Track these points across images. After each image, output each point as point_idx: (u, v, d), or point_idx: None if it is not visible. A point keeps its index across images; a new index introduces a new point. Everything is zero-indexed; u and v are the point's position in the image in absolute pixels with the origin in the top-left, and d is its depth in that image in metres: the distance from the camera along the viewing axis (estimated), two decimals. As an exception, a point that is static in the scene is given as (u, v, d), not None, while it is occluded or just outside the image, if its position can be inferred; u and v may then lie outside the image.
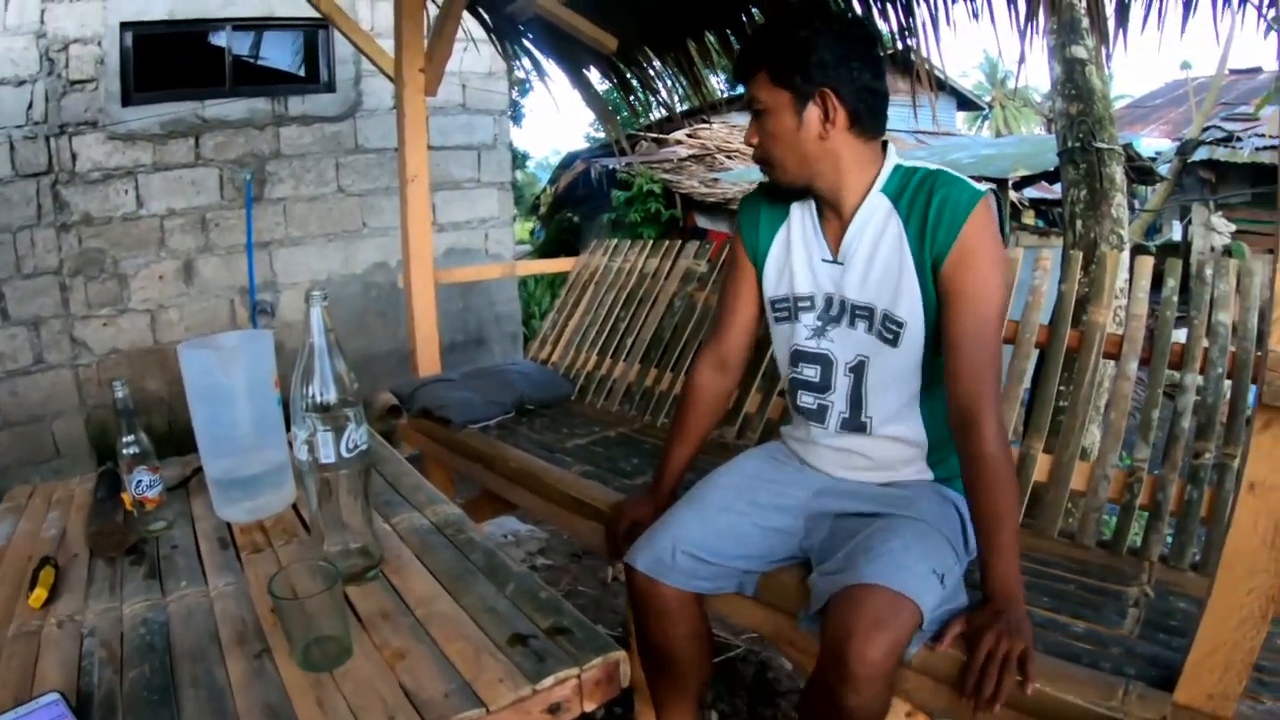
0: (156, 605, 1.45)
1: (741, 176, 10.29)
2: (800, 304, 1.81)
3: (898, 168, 1.70)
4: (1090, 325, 2.12)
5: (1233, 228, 11.15)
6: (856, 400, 1.77)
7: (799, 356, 1.83)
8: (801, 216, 1.81)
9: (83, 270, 5.19)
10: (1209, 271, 2.04)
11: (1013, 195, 8.86)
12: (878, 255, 1.68)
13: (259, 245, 5.73)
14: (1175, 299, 2.08)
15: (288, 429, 1.56)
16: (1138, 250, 8.34)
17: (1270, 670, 1.41)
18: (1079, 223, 4.39)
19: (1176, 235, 12.60)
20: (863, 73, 1.63)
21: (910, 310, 1.65)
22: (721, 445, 2.63)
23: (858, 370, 1.75)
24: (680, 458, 2.00)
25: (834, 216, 1.75)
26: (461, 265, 6.08)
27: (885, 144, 1.74)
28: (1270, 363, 1.06)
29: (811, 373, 1.82)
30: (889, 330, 1.68)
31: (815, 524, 1.77)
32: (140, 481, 1.72)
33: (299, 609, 1.22)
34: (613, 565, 1.88)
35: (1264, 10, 2.55)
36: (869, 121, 1.67)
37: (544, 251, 13.27)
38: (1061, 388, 2.19)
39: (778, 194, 1.83)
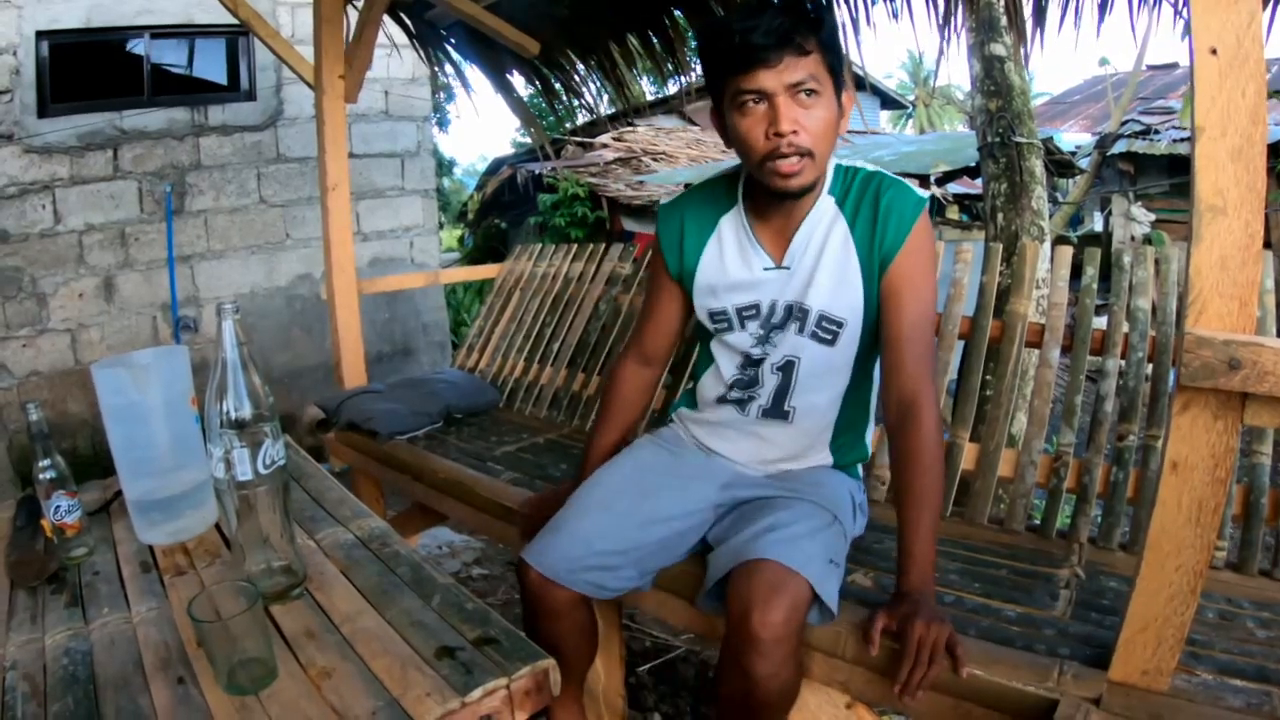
0: (79, 634, 1.40)
1: (667, 179, 10.33)
2: (745, 313, 1.76)
3: (838, 168, 1.69)
4: (1012, 315, 2.15)
5: (1152, 217, 11.46)
6: (782, 393, 1.77)
7: (747, 362, 1.80)
8: (733, 226, 1.76)
9: None
10: (1127, 259, 2.08)
11: (936, 190, 8.99)
12: (824, 257, 1.66)
13: (180, 259, 5.60)
14: (1095, 287, 2.12)
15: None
16: (1060, 241, 8.50)
17: (1203, 643, 1.44)
18: (1000, 216, 4.48)
19: (1098, 226, 12.89)
20: None
21: (850, 310, 1.66)
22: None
23: (786, 369, 1.75)
24: (605, 446, 1.99)
25: (779, 220, 1.70)
26: (386, 274, 5.99)
27: None
28: (1187, 345, 1.07)
29: (748, 373, 1.80)
30: (826, 331, 1.69)
31: (722, 514, 1.79)
32: (58, 507, 1.66)
33: (221, 631, 1.19)
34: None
35: (1179, 8, 2.60)
36: None
37: (472, 258, 13.21)
38: (986, 377, 2.22)
39: (706, 202, 1.79)
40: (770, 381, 1.77)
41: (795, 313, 1.70)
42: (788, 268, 1.70)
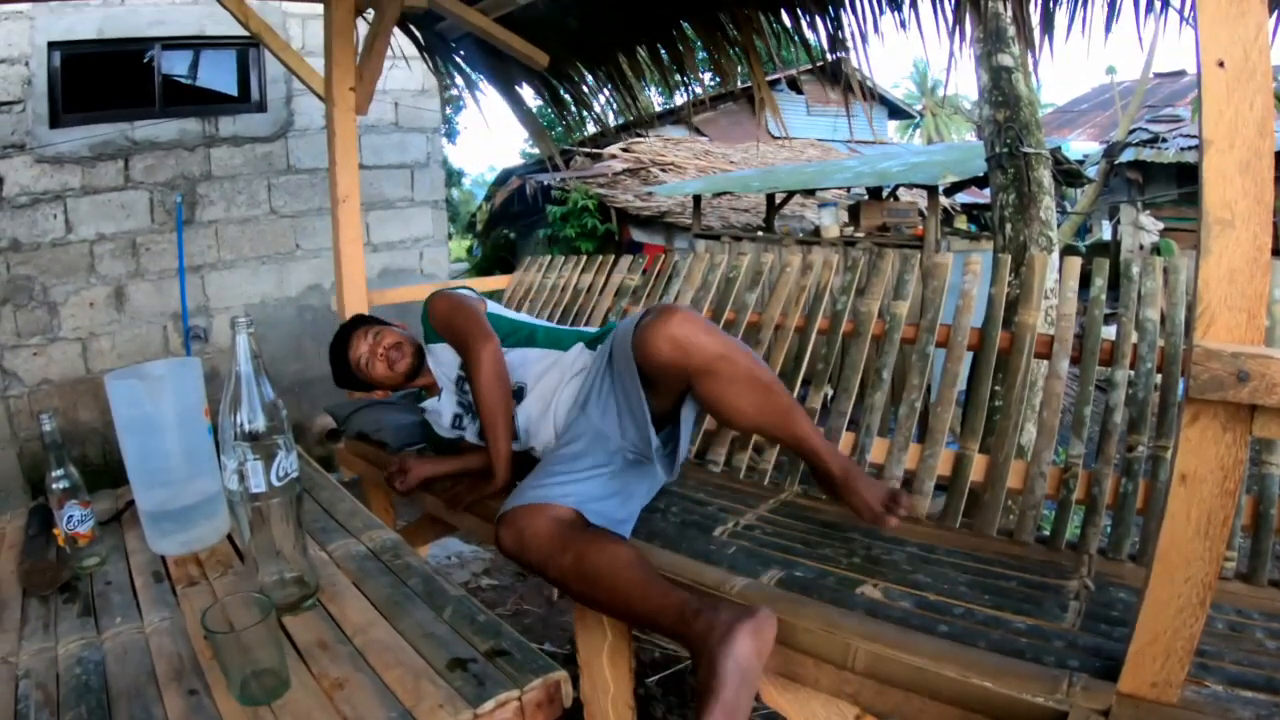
0: (92, 644, 1.41)
1: (675, 190, 10.34)
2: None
3: None
4: (1021, 326, 2.15)
5: (1160, 226, 11.44)
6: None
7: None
8: None
9: (11, 298, 5.03)
10: (1136, 269, 2.08)
11: (944, 201, 8.97)
12: None
13: (191, 269, 5.62)
14: (1104, 297, 2.12)
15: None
16: (1068, 251, 8.49)
17: (1212, 655, 1.43)
18: (1008, 226, 4.47)
19: (1106, 235, 12.88)
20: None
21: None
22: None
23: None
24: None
25: None
26: (396, 285, 5.93)
27: None
28: (1196, 357, 1.07)
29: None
30: None
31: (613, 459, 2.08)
32: (71, 516, 1.67)
33: (234, 642, 1.20)
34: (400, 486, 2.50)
35: (1185, 15, 2.61)
36: None
37: (481, 269, 13.26)
38: (995, 388, 2.22)
39: None
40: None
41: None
42: None
